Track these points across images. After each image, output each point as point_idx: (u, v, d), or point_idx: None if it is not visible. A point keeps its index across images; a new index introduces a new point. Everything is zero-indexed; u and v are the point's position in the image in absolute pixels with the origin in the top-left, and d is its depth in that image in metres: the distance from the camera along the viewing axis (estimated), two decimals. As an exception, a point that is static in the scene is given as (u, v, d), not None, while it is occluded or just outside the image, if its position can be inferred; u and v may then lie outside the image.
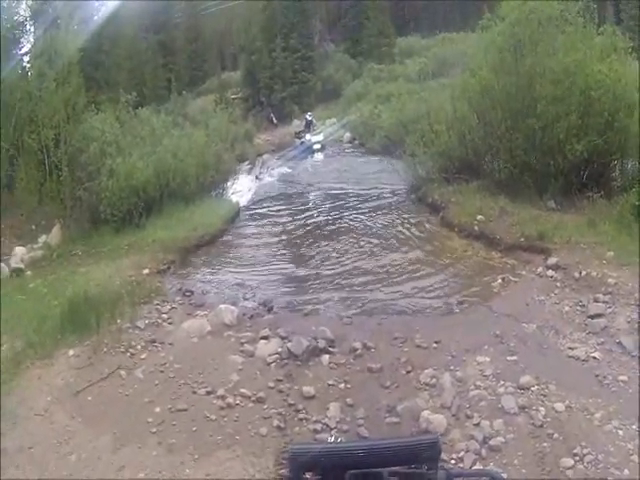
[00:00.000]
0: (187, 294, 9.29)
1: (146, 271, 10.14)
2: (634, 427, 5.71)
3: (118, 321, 8.12)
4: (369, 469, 2.75)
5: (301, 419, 6.26)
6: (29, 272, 10.88)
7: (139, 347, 7.60)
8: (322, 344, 7.37)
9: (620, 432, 5.71)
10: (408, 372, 6.84)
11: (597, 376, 6.52)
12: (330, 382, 6.77)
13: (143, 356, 7.44)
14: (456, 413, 6.19)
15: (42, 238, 12.17)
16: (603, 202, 10.68)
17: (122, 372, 7.17)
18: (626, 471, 5.34)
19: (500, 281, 9.04)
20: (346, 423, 6.19)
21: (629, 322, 7.34)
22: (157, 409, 6.55)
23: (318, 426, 6.13)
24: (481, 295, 8.76)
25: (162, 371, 7.10)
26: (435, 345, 7.34)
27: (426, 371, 6.76)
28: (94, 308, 8.18)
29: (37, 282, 10.06)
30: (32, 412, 6.41)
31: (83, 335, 7.80)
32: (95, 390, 6.87)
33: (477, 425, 6.02)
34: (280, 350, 7.33)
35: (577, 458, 5.52)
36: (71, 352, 7.55)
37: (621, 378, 6.44)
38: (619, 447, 5.55)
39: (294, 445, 3.59)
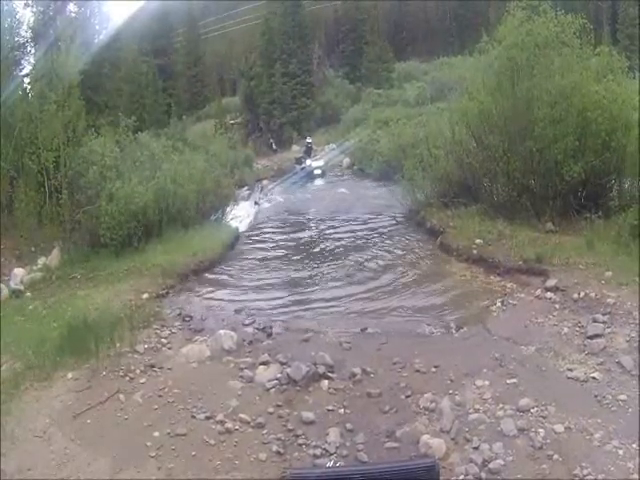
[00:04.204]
0: (186, 319, 9.25)
1: (145, 295, 10.13)
2: (634, 446, 5.71)
3: (117, 345, 8.10)
4: None
5: (300, 444, 6.24)
6: (28, 293, 10.89)
7: (138, 371, 7.58)
8: (321, 369, 7.35)
9: (620, 452, 5.71)
10: (407, 397, 6.82)
11: (596, 396, 6.52)
12: (329, 407, 6.76)
13: (142, 380, 7.42)
14: (455, 437, 6.17)
15: (41, 260, 12.17)
16: (601, 222, 10.74)
17: (121, 396, 7.15)
18: None
19: (499, 304, 9.05)
20: (345, 448, 6.16)
21: (628, 341, 7.38)
22: (156, 433, 6.53)
23: (317, 451, 6.11)
24: (480, 319, 8.75)
25: (161, 396, 7.08)
26: (434, 369, 7.32)
27: (425, 395, 6.74)
28: (93, 332, 8.17)
29: (36, 304, 10.10)
30: (31, 434, 6.40)
31: (82, 358, 7.80)
32: (94, 413, 6.86)
33: (476, 448, 6.00)
34: (279, 375, 7.32)
35: (577, 479, 5.52)
36: (70, 375, 7.55)
37: (620, 397, 6.45)
38: (619, 466, 5.55)
39: (293, 470, 3.56)
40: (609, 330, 7.62)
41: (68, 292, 10.59)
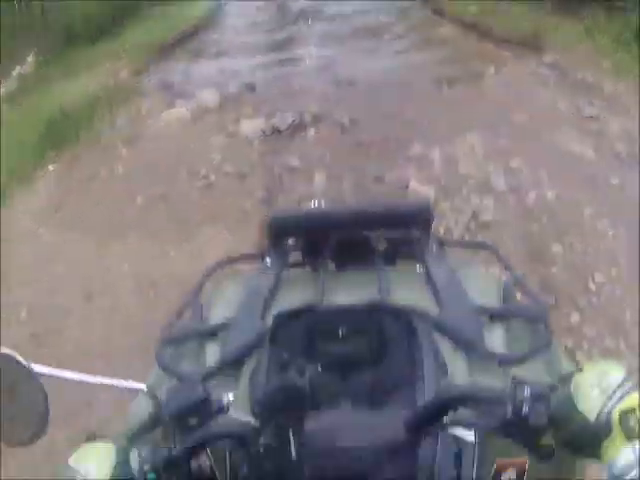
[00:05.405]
0: (167, 87, 8.85)
1: (124, 74, 9.77)
2: (623, 231, 5.46)
3: (97, 126, 7.84)
4: (356, 233, 2.48)
5: (286, 190, 6.08)
6: (5, 106, 10.46)
7: (119, 145, 7.34)
8: (307, 119, 7.05)
9: (610, 233, 5.52)
10: (396, 146, 6.58)
11: (589, 174, 6.28)
12: (316, 154, 6.51)
13: (123, 152, 7.21)
14: (445, 186, 6.00)
15: (16, 70, 11.62)
16: (603, 15, 10.11)
17: (102, 173, 6.98)
18: (613, 271, 5.15)
19: (492, 71, 8.61)
20: (332, 192, 5.99)
21: (624, 131, 7.03)
22: (139, 199, 6.42)
23: (304, 196, 5.91)
24: (472, 80, 8.34)
25: (142, 163, 6.89)
26: (425, 121, 7.04)
27: (415, 145, 6.51)
28: (72, 120, 7.90)
29: (13, 113, 9.65)
30: (16, 238, 6.29)
31: (63, 150, 7.58)
32: (77, 199, 6.75)
33: (466, 200, 5.86)
34: (264, 127, 7.02)
35: (567, 247, 5.40)
36: (51, 168, 7.38)
37: (613, 182, 6.18)
38: (608, 248, 5.39)
39: (274, 211, 3.32)
40: (604, 116, 7.31)
41: (45, 91, 10.13)
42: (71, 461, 1.29)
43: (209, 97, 7.81)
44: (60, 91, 9.62)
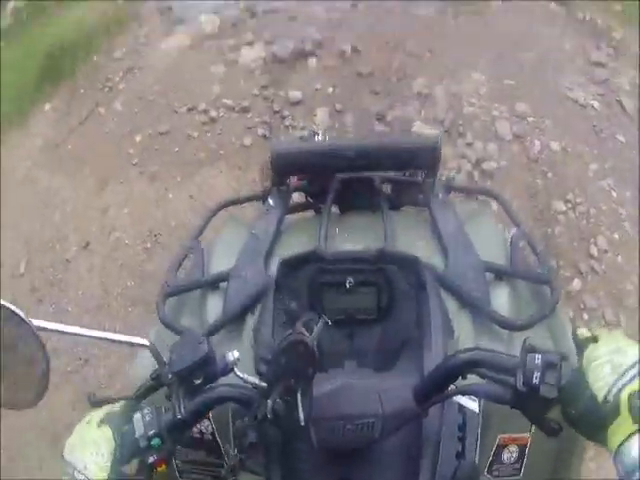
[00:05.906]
0: (166, 11, 8.25)
1: (120, 1, 9.06)
2: (628, 194, 5.45)
3: (94, 58, 7.60)
4: (360, 173, 2.41)
5: (287, 126, 5.96)
6: (2, 43, 10.09)
7: (117, 79, 7.14)
8: (309, 46, 6.71)
9: (614, 193, 5.48)
10: (399, 80, 6.37)
11: (594, 127, 6.12)
12: (317, 87, 6.32)
13: (121, 87, 7.03)
14: (449, 129, 5.86)
15: (10, 5, 11.14)
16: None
17: (100, 109, 6.85)
18: (616, 235, 5.20)
19: (500, 2, 7.92)
20: (335, 130, 5.86)
21: (631, 84, 6.77)
22: (138, 138, 6.31)
23: (305, 132, 5.70)
24: (478, 12, 7.72)
25: (141, 97, 6.73)
26: (428, 54, 6.70)
27: (418, 80, 6.30)
28: (70, 53, 7.63)
29: (12, 49, 9.22)
30: (13, 183, 6.23)
31: (60, 86, 7.39)
32: (74, 138, 6.63)
33: (470, 145, 5.76)
34: (264, 55, 6.74)
35: (569, 205, 5.37)
36: (47, 107, 7.21)
37: (619, 138, 6.04)
38: (612, 209, 5.36)
39: (276, 144, 3.14)
40: (613, 65, 7.02)
41: (42, 23, 9.65)
42: (66, 452, 1.23)
43: (208, 22, 7.40)
44: (58, 24, 9.13)
